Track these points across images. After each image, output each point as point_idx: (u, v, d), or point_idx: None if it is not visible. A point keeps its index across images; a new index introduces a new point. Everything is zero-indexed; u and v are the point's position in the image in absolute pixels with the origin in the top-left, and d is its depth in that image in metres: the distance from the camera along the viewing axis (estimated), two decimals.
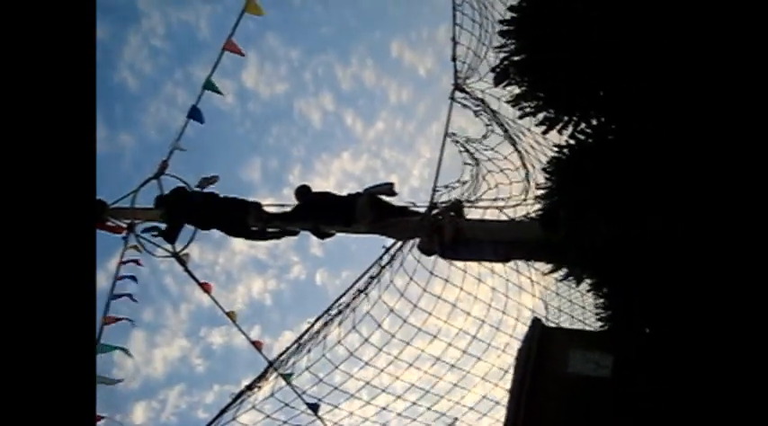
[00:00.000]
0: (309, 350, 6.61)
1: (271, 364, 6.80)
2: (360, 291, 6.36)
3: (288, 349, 6.70)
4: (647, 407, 6.34)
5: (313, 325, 6.48)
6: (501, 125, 7.36)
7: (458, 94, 7.28)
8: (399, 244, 6.50)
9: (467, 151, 7.26)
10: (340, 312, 6.48)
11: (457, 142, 7.24)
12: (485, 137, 7.32)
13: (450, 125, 7.07)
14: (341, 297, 6.44)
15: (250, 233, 7.51)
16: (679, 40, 5.26)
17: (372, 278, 6.36)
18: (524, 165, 7.42)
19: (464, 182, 7.11)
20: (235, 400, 6.39)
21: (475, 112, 7.32)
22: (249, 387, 6.51)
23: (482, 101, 7.30)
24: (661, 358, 6.03)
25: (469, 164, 7.17)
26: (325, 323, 6.53)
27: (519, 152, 7.40)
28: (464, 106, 7.33)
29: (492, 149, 7.37)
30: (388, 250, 6.43)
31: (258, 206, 7.44)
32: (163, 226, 7.44)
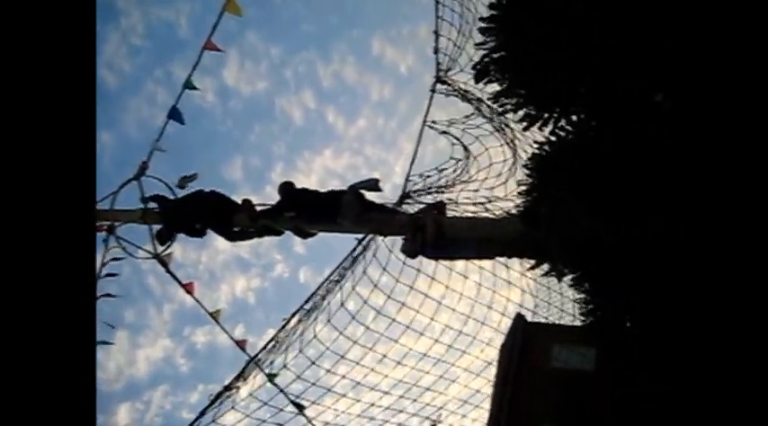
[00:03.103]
0: (287, 347, 6.59)
1: (252, 359, 6.75)
2: (335, 282, 6.33)
3: (266, 346, 6.68)
4: (629, 398, 6.43)
5: (289, 321, 6.45)
6: (486, 116, 7.35)
7: (439, 87, 7.28)
8: (372, 236, 6.47)
9: (450, 135, 7.26)
10: (316, 306, 6.44)
11: (438, 130, 7.23)
12: (467, 117, 7.31)
13: (429, 117, 7.07)
14: (317, 290, 6.40)
15: (231, 233, 7.48)
16: (659, 35, 5.30)
17: (346, 269, 6.33)
18: (512, 149, 7.40)
19: (442, 170, 7.10)
20: (214, 400, 6.36)
21: (461, 98, 7.30)
22: (228, 387, 6.49)
23: (465, 91, 7.29)
24: (643, 350, 6.10)
25: (455, 144, 7.17)
26: (300, 320, 6.51)
27: (506, 139, 7.39)
28: (447, 95, 7.32)
29: (478, 127, 7.35)
30: (360, 242, 6.41)
31: (250, 203, 7.42)
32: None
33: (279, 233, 7.47)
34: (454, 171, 7.18)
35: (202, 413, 6.26)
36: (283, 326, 6.47)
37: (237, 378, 6.54)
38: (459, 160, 7.27)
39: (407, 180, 6.68)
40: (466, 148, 7.27)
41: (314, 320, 6.55)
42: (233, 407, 6.37)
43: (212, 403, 6.32)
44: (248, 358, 6.83)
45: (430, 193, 6.97)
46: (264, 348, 6.67)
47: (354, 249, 6.36)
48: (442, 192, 7.06)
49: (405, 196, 6.76)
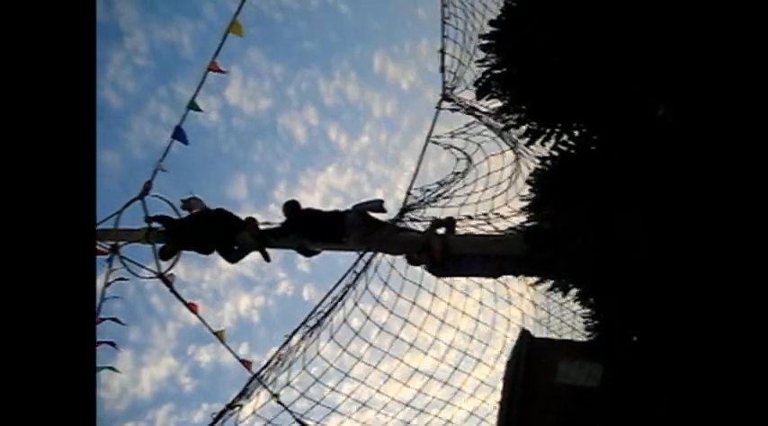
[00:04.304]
0: (290, 365, 6.54)
1: (255, 376, 6.70)
2: (337, 299, 6.29)
3: (268, 363, 6.62)
4: (636, 416, 6.37)
5: (291, 338, 6.40)
6: (487, 124, 7.35)
7: (445, 104, 7.30)
8: (372, 253, 6.44)
9: (453, 147, 7.25)
10: (318, 323, 6.39)
11: (442, 145, 7.24)
12: (468, 126, 7.31)
13: (434, 133, 7.07)
14: (318, 305, 6.34)
15: (233, 252, 7.49)
16: (660, 51, 5.33)
17: (348, 286, 6.29)
18: (515, 153, 7.37)
19: (443, 184, 7.10)
20: (217, 419, 6.30)
21: (467, 112, 7.30)
22: (230, 406, 6.43)
23: (472, 108, 7.30)
24: (650, 366, 6.06)
25: (461, 159, 7.16)
26: (303, 337, 6.46)
27: (509, 142, 7.37)
28: (453, 111, 7.34)
29: (479, 134, 7.33)
30: (361, 256, 6.38)
31: (254, 221, 7.43)
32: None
33: (267, 257, 7.47)
34: (454, 182, 7.17)
35: None
36: (285, 343, 6.42)
37: (240, 396, 6.49)
38: (459, 173, 7.28)
39: (408, 194, 6.67)
40: (468, 157, 7.27)
41: (317, 337, 6.50)
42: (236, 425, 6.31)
43: (215, 421, 6.26)
44: (256, 378, 6.78)
45: (428, 205, 6.95)
46: (267, 365, 6.63)
47: (356, 263, 6.32)
48: (441, 205, 7.04)
49: (404, 210, 6.74)
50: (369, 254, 6.41)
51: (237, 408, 6.39)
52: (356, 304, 6.32)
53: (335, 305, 6.27)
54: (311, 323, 6.32)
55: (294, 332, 6.37)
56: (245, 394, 6.54)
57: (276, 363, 6.59)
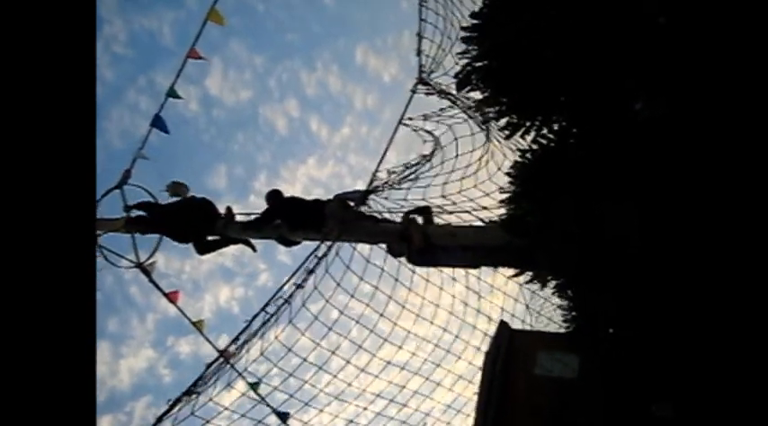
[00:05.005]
0: (249, 349, 6.47)
1: (214, 361, 6.62)
2: (297, 286, 6.25)
3: (225, 349, 6.57)
4: (612, 407, 6.44)
5: (251, 322, 6.34)
6: (460, 107, 7.33)
7: (420, 88, 7.28)
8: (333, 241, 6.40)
9: (423, 130, 7.25)
10: (280, 308, 6.35)
11: (413, 127, 7.22)
12: (442, 110, 7.30)
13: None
14: (278, 290, 6.29)
15: (205, 243, 7.48)
16: (639, 43, 5.35)
17: (310, 272, 6.25)
18: (486, 135, 7.36)
19: (410, 166, 7.08)
20: (172, 406, 6.24)
21: (439, 95, 7.28)
22: (188, 393, 6.38)
23: (447, 92, 7.29)
24: (625, 358, 6.12)
25: (428, 141, 7.15)
26: (264, 322, 6.41)
27: (487, 135, 7.36)
28: (428, 94, 7.32)
29: (452, 117, 7.33)
30: (320, 244, 6.34)
31: (230, 210, 7.42)
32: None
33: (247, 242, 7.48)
34: (420, 164, 7.16)
35: (159, 420, 6.14)
36: (245, 328, 6.36)
37: (195, 383, 6.41)
38: (426, 156, 7.28)
39: (374, 176, 6.65)
40: (435, 139, 7.25)
41: (277, 322, 6.43)
42: (192, 413, 6.24)
43: (170, 409, 6.20)
44: (233, 369, 6.73)
45: (393, 187, 6.94)
46: (225, 349, 6.57)
47: (316, 249, 6.28)
48: (406, 187, 7.02)
49: (368, 192, 6.72)
50: (331, 242, 6.38)
51: (194, 396, 6.34)
52: (315, 288, 6.29)
53: (297, 289, 6.23)
54: (270, 309, 6.26)
55: (254, 318, 6.30)
56: (201, 380, 6.46)
57: (237, 348, 6.55)
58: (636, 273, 5.40)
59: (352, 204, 6.99)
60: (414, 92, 7.17)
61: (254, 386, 6.77)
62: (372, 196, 6.79)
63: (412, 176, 6.98)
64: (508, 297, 7.77)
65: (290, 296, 6.20)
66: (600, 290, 5.94)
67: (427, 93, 7.21)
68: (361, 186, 7.02)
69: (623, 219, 5.35)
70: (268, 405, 6.74)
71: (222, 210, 7.57)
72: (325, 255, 6.27)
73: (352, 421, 7.16)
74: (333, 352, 6.60)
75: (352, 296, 6.52)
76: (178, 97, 7.39)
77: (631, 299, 5.63)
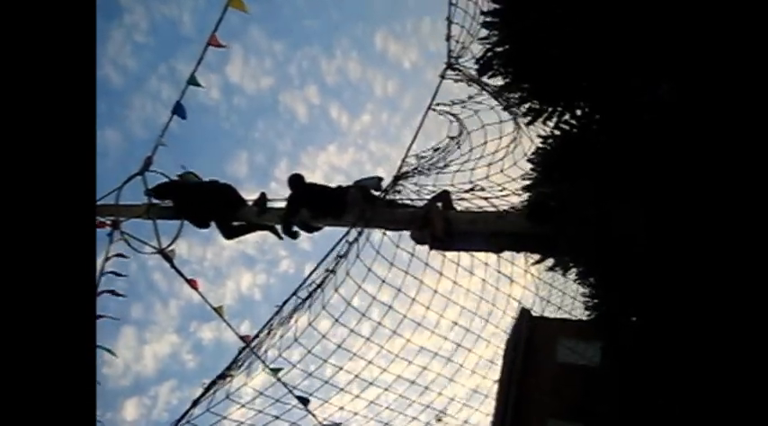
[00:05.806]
0: (282, 337, 6.50)
1: (247, 345, 6.67)
2: (329, 271, 6.26)
3: (258, 334, 6.61)
4: (635, 393, 6.41)
5: (281, 308, 6.37)
6: (490, 92, 7.27)
7: (449, 73, 7.22)
8: (360, 228, 6.40)
9: (450, 114, 7.21)
10: (310, 295, 6.37)
11: (440, 112, 7.19)
12: (470, 97, 7.25)
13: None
14: (309, 276, 6.29)
15: (232, 228, 7.53)
16: (662, 27, 5.27)
17: (340, 257, 6.25)
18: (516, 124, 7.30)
19: (437, 149, 7.03)
20: (208, 389, 6.30)
21: (468, 81, 7.23)
22: (222, 376, 6.44)
23: (475, 79, 7.23)
24: (648, 346, 6.07)
25: (453, 121, 7.10)
26: (295, 309, 6.43)
27: (515, 122, 7.30)
28: (456, 81, 7.26)
29: (480, 103, 7.27)
30: (350, 229, 6.33)
31: (264, 196, 7.48)
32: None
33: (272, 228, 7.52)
34: (448, 147, 7.12)
35: (195, 404, 6.20)
36: (276, 313, 6.39)
37: (230, 367, 6.48)
38: (453, 137, 7.23)
39: (403, 162, 6.64)
40: (459, 120, 7.21)
41: (308, 310, 6.45)
42: (227, 397, 6.31)
43: (206, 392, 6.27)
44: (245, 347, 6.76)
45: (423, 173, 6.91)
46: (257, 336, 6.63)
47: (346, 234, 6.27)
48: (435, 173, 6.99)
49: (398, 177, 6.71)
50: (360, 228, 6.39)
51: (228, 379, 6.41)
52: (348, 274, 6.30)
53: (327, 276, 6.25)
54: (303, 294, 6.28)
55: (285, 303, 6.33)
56: (236, 363, 6.54)
57: (267, 334, 6.60)
58: (653, 269, 5.36)
59: (376, 193, 6.99)
60: (443, 77, 7.10)
61: (276, 372, 6.82)
62: (401, 181, 6.79)
63: (441, 163, 6.96)
64: (530, 284, 7.74)
65: (323, 281, 6.22)
66: (618, 280, 5.91)
67: (456, 80, 7.15)
68: (381, 173, 7.02)
69: (641, 218, 5.31)
70: (290, 391, 6.79)
71: (248, 197, 7.60)
72: (355, 240, 6.27)
73: (372, 402, 7.18)
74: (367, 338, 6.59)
75: (383, 281, 6.50)
76: (199, 85, 7.41)
77: (648, 288, 5.59)
